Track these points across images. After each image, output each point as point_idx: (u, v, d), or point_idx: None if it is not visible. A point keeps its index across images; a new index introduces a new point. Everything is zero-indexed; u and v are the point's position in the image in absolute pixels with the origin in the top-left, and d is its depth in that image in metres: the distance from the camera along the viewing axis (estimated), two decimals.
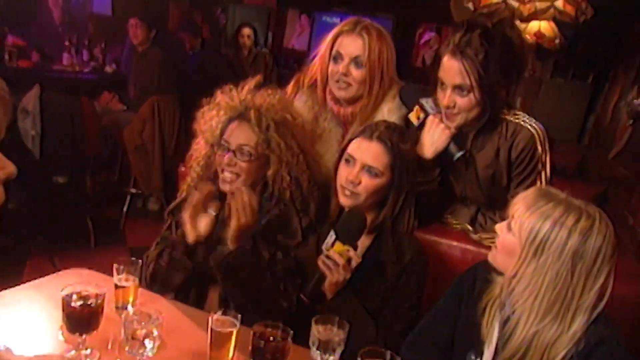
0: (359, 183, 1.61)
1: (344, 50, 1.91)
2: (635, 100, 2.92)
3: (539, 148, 1.77)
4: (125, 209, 4.34)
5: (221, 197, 1.80)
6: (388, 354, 1.22)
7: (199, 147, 1.86)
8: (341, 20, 1.96)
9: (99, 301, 1.34)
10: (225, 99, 1.81)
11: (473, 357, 1.39)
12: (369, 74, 1.90)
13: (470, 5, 3.07)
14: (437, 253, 1.82)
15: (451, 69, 1.70)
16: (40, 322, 1.47)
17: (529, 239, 1.21)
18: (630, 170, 3.03)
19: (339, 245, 1.52)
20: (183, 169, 1.96)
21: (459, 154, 1.79)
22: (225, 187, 1.75)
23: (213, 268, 1.67)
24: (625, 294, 1.64)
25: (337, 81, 1.92)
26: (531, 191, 1.29)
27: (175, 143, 4.27)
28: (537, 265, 1.20)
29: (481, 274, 1.41)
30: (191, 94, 4.35)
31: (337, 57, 1.92)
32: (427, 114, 1.82)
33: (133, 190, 4.40)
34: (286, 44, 7.05)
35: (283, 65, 6.72)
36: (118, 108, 4.61)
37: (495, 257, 1.33)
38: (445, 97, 1.73)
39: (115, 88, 4.74)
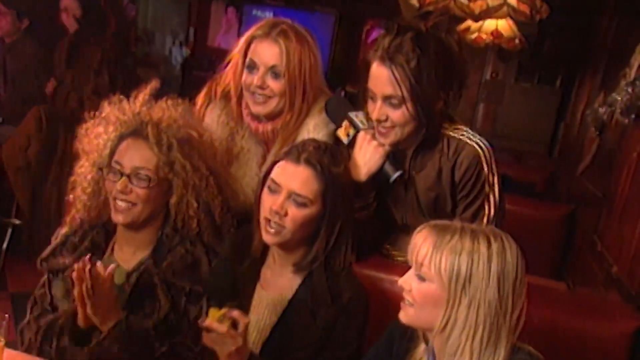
0: (285, 214, 1.59)
1: (259, 58, 1.90)
2: (600, 109, 3.05)
3: (485, 168, 1.80)
4: (4, 245, 4.17)
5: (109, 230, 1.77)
6: None
7: (83, 171, 1.81)
8: (275, 15, 1.97)
9: None
10: (115, 112, 1.78)
11: None
12: (289, 85, 1.90)
13: (415, 2, 3.14)
14: (378, 291, 1.82)
15: (380, 77, 1.72)
16: None
17: (452, 279, 1.25)
18: (597, 188, 3.16)
19: (213, 312, 1.44)
20: (71, 197, 1.89)
21: (395, 175, 1.80)
22: (119, 218, 1.71)
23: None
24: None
25: (253, 93, 1.92)
26: (425, 232, 1.33)
27: (70, 162, 4.16)
28: (469, 302, 1.26)
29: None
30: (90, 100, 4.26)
31: (251, 66, 1.91)
32: (357, 130, 1.84)
33: (16, 222, 4.24)
34: (211, 43, 7.04)
35: (205, 68, 6.72)
36: None
37: (415, 315, 1.33)
38: (376, 109, 1.74)
39: None
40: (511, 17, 3.27)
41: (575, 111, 4.84)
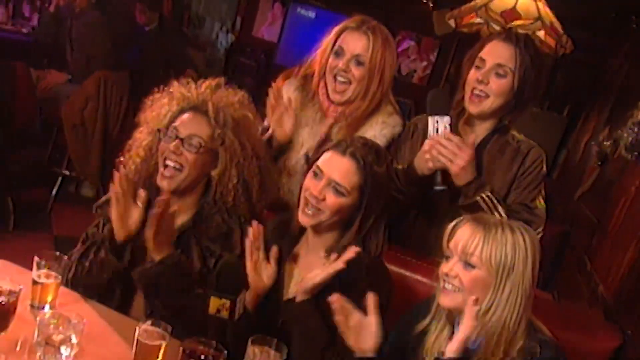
0: (323, 199, 1.59)
1: (347, 46, 1.97)
2: (605, 142, 3.07)
3: (544, 169, 1.91)
4: (54, 191, 4.23)
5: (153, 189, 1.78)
6: None
7: (140, 137, 1.84)
8: (317, 16, 2.01)
9: (12, 299, 1.33)
10: (182, 90, 1.80)
11: None
12: (368, 75, 1.96)
13: (452, 22, 3.16)
14: (402, 287, 1.82)
15: (499, 50, 1.84)
16: None
17: (499, 267, 1.36)
18: (593, 213, 3.17)
19: (214, 300, 1.50)
20: (122, 159, 1.93)
21: (440, 188, 1.81)
22: (164, 184, 1.72)
23: (135, 282, 1.67)
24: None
25: (335, 76, 1.98)
26: (470, 225, 1.41)
27: (120, 127, 4.18)
28: (511, 287, 1.37)
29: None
30: (144, 74, 4.31)
31: (339, 52, 1.98)
32: (437, 130, 1.82)
33: (66, 172, 4.31)
34: (255, 33, 7.02)
35: (248, 55, 6.72)
36: (61, 80, 4.49)
37: (462, 300, 1.38)
38: (482, 73, 1.83)
39: (55, 55, 4.62)
40: None
41: (579, 140, 4.83)
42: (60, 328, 1.27)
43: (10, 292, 1.32)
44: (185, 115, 1.75)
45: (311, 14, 6.59)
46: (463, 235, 1.39)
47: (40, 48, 4.73)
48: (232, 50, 6.93)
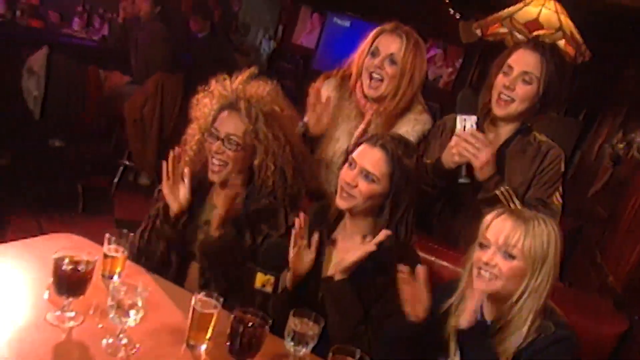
0: (356, 186, 1.61)
1: (382, 46, 2.00)
2: (619, 144, 3.01)
3: (563, 168, 1.89)
4: (116, 179, 4.33)
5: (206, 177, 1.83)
6: (358, 352, 1.27)
7: (192, 133, 1.89)
8: (351, 24, 2.04)
9: (89, 268, 1.37)
10: (219, 87, 1.83)
11: None
12: (400, 73, 1.98)
13: (478, 31, 3.14)
14: (429, 271, 1.81)
15: (526, 58, 1.82)
16: (27, 280, 1.50)
17: (536, 257, 1.38)
18: (605, 210, 3.12)
19: (260, 276, 1.55)
20: (174, 151, 1.99)
21: (464, 180, 1.82)
22: (214, 178, 1.78)
23: (197, 255, 1.72)
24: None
25: (371, 74, 2.01)
26: (511, 219, 1.41)
27: (174, 123, 4.22)
28: (543, 274, 1.39)
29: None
30: (196, 76, 4.40)
31: (374, 53, 2.01)
32: (463, 127, 1.82)
33: (126, 163, 4.40)
34: (294, 40, 7.07)
35: (288, 60, 6.77)
36: (124, 80, 4.61)
37: (501, 286, 1.41)
38: (509, 79, 1.82)
39: (120, 59, 4.74)
40: None
41: (593, 143, 4.74)
42: (129, 294, 1.30)
43: (88, 262, 1.37)
44: (223, 115, 1.78)
45: (346, 23, 6.59)
46: (504, 228, 1.40)
47: (108, 53, 4.86)
48: (274, 56, 6.97)
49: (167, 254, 1.79)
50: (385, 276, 1.61)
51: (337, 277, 1.60)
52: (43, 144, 3.80)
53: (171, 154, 1.74)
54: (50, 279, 1.38)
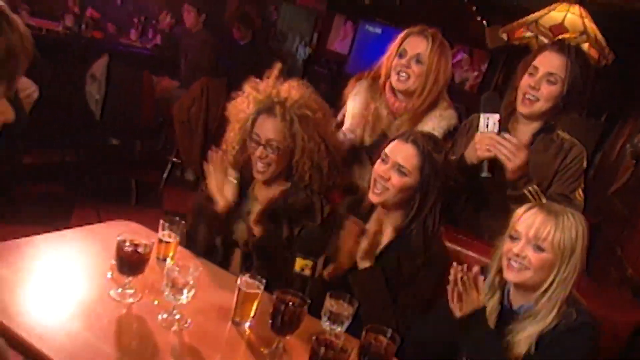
0: (389, 179, 1.63)
1: (409, 47, 2.00)
2: (639, 143, 2.93)
3: (585, 164, 1.86)
4: (165, 175, 4.43)
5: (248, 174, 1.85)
6: (389, 331, 1.29)
7: (232, 135, 1.90)
8: (382, 31, 2.05)
9: (147, 250, 1.43)
10: (253, 92, 1.83)
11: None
12: (426, 72, 1.98)
13: (505, 36, 3.10)
14: (456, 260, 1.74)
15: (552, 59, 1.80)
16: (92, 261, 1.57)
17: (565, 250, 1.37)
18: (626, 206, 3.04)
19: (299, 260, 1.56)
20: (217, 150, 2.01)
21: (485, 174, 1.79)
22: (259, 177, 1.81)
23: (240, 244, 1.75)
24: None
25: (398, 73, 2.01)
26: (542, 213, 1.40)
27: (218, 123, 4.23)
28: (571, 267, 1.37)
29: None
30: (238, 81, 4.47)
31: (402, 53, 2.01)
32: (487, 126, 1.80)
33: (174, 160, 4.48)
34: (329, 46, 7.07)
35: (322, 65, 6.79)
36: (172, 85, 4.72)
37: (529, 277, 1.41)
38: (534, 80, 1.80)
39: (171, 66, 4.86)
40: None
41: (615, 143, 4.60)
42: (183, 274, 1.34)
43: (146, 245, 1.42)
44: (261, 120, 1.79)
45: (377, 30, 6.55)
46: (535, 222, 1.39)
47: (159, 60, 4.99)
48: (309, 61, 6.98)
49: (212, 242, 1.82)
50: (412, 265, 1.62)
51: (361, 265, 1.62)
52: (102, 143, 3.93)
53: (213, 155, 1.76)
54: (113, 261, 1.43)
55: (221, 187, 1.78)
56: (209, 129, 4.30)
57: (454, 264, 1.47)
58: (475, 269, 1.48)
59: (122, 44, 4.99)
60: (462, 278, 1.44)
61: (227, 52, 4.67)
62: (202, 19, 4.56)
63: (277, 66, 1.86)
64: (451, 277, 1.46)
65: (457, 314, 1.45)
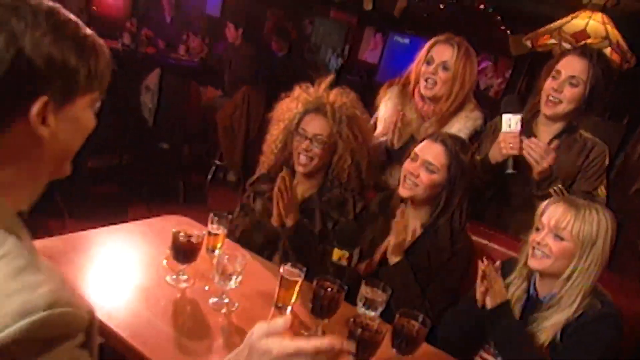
0: (418, 176, 1.63)
1: (436, 55, 1.99)
2: None
3: (607, 162, 1.83)
4: (209, 177, 4.52)
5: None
6: (421, 316, 1.30)
7: (276, 133, 1.92)
8: (410, 41, 2.04)
9: (199, 240, 1.48)
10: (304, 94, 1.86)
11: None
12: (452, 77, 1.97)
13: (529, 43, 3.06)
14: (481, 252, 1.77)
15: (574, 63, 1.77)
16: (150, 250, 1.63)
17: (585, 240, 1.35)
18: None
19: (337, 251, 1.58)
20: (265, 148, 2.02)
21: (510, 171, 1.80)
22: (300, 169, 1.82)
23: (281, 236, 1.78)
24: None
25: (427, 79, 2.00)
26: (564, 205, 1.39)
27: (258, 129, 4.33)
28: (592, 257, 1.35)
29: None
30: (277, 89, 4.56)
31: (429, 61, 2.00)
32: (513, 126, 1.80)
33: (218, 163, 4.56)
34: (360, 56, 7.09)
35: (354, 74, 6.80)
36: (215, 94, 4.83)
37: (550, 264, 1.39)
38: (557, 83, 1.79)
39: (215, 77, 4.97)
40: None
41: (636, 144, 4.45)
42: (232, 263, 1.38)
43: (198, 236, 1.47)
44: (310, 117, 1.81)
45: (406, 41, 6.54)
46: (556, 213, 1.39)
47: (204, 72, 5.11)
48: (342, 71, 7.00)
49: (263, 244, 1.81)
50: (440, 259, 1.62)
51: (392, 260, 1.62)
52: (154, 147, 4.04)
53: (282, 177, 1.71)
54: (168, 250, 1.48)
55: (287, 209, 1.73)
56: (249, 135, 4.39)
57: (482, 259, 1.47)
58: (497, 263, 1.47)
59: (172, 58, 5.14)
60: (487, 272, 1.44)
61: (266, 64, 4.73)
62: (240, 33, 4.65)
63: (330, 77, 1.89)
64: (480, 273, 1.46)
65: (487, 306, 1.45)
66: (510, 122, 1.78)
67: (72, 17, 0.75)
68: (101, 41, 0.77)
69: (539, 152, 1.72)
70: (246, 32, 4.71)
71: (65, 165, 0.80)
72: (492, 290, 1.45)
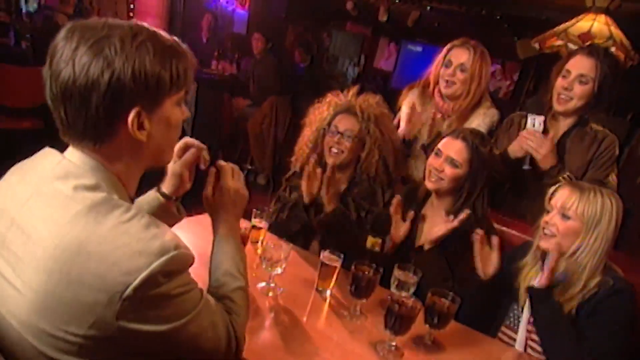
0: (442, 171, 1.65)
1: (454, 58, 2.02)
2: None
3: (617, 152, 1.84)
4: None
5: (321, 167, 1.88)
6: (450, 294, 1.33)
7: (307, 134, 1.96)
8: (423, 49, 2.07)
9: (246, 232, 1.55)
10: (335, 98, 1.92)
11: (516, 307, 1.52)
12: (470, 78, 2.00)
13: (537, 45, 3.05)
14: (500, 238, 1.77)
15: (583, 62, 1.77)
16: (199, 242, 1.65)
17: (589, 219, 1.37)
18: None
19: (371, 238, 1.62)
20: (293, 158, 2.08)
21: (527, 167, 1.83)
22: (330, 160, 1.85)
23: (316, 225, 1.83)
24: None
25: (446, 81, 2.04)
26: (570, 188, 1.42)
27: (285, 135, 4.42)
28: (597, 235, 1.37)
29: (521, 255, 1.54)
30: (301, 98, 4.61)
31: (447, 64, 2.04)
32: (533, 125, 1.84)
33: (249, 167, 4.62)
34: (375, 65, 7.10)
35: (370, 81, 6.82)
36: (245, 104, 4.91)
37: (557, 243, 1.41)
38: (567, 81, 1.79)
39: (244, 89, 5.06)
40: None
41: None
42: (277, 251, 1.42)
43: (245, 228, 1.51)
44: (340, 116, 1.85)
45: (418, 49, 6.52)
46: (563, 195, 1.41)
47: (234, 84, 5.20)
48: (358, 79, 7.04)
49: (299, 232, 1.87)
50: (465, 243, 1.65)
51: (427, 246, 1.64)
52: None
53: (312, 161, 1.80)
54: None
55: (311, 185, 1.80)
56: (277, 140, 4.47)
57: (476, 230, 1.51)
58: (495, 240, 1.51)
59: (206, 72, 5.24)
60: (482, 243, 1.48)
61: (290, 74, 4.79)
62: (269, 46, 4.71)
63: (358, 86, 1.94)
64: (475, 245, 1.50)
65: (481, 275, 1.49)
66: (535, 122, 1.82)
67: (152, 30, 0.83)
68: (182, 46, 0.86)
69: (535, 141, 1.75)
70: (269, 45, 4.77)
71: (165, 155, 0.94)
72: (487, 259, 1.48)
